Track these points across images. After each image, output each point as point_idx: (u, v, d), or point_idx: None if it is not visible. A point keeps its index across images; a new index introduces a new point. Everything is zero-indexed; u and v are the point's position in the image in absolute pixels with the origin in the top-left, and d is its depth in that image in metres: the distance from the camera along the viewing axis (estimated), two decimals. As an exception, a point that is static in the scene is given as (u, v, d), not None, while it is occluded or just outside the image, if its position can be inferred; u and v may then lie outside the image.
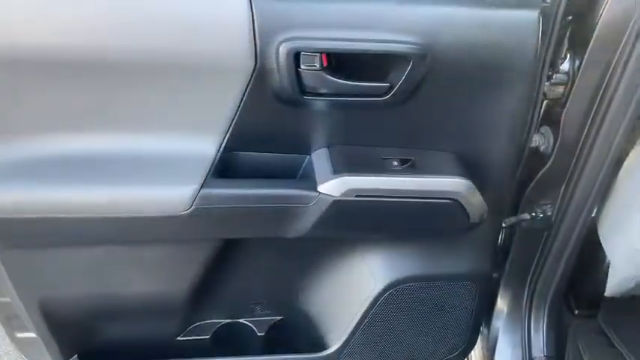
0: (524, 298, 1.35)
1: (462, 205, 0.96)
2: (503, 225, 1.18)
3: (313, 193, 0.94)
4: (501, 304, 1.38)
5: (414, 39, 0.88)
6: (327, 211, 0.94)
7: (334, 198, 0.93)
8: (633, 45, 0.96)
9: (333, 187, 0.93)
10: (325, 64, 0.89)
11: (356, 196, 0.94)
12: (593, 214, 1.24)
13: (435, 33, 0.88)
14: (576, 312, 1.43)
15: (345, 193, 0.93)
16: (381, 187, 0.94)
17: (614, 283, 1.24)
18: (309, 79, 0.89)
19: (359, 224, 0.99)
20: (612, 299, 1.29)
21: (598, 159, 1.10)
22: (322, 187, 0.94)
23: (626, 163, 1.18)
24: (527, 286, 1.34)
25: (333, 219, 0.95)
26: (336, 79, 0.90)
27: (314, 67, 0.88)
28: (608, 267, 1.24)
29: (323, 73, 0.89)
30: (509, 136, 1.00)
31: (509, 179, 1.06)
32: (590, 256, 1.32)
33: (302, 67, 0.88)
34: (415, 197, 0.95)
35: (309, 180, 0.96)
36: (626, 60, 0.97)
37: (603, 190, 1.17)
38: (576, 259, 1.29)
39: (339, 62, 0.91)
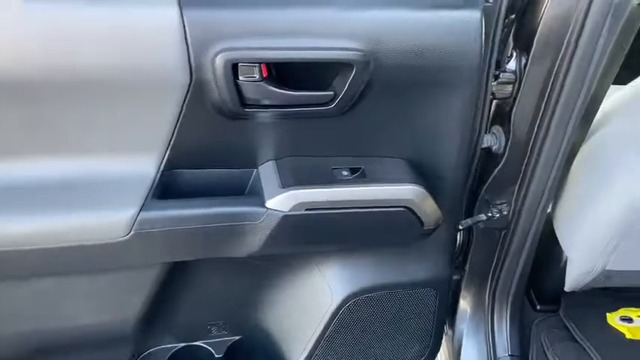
0: (486, 298, 1.34)
1: (415, 213, 0.94)
2: (460, 227, 1.17)
3: (261, 210, 0.90)
4: (464, 305, 1.37)
5: (356, 45, 0.85)
6: (277, 227, 0.90)
7: (283, 213, 0.90)
8: (576, 42, 0.95)
9: (282, 201, 0.90)
10: (265, 74, 0.85)
11: (306, 210, 0.90)
12: (549, 211, 1.25)
13: (377, 38, 0.85)
14: (538, 307, 1.43)
15: (294, 208, 0.90)
16: (331, 199, 0.91)
17: (573, 278, 1.24)
18: (249, 91, 0.85)
19: (311, 238, 0.96)
20: (573, 293, 1.30)
21: (550, 155, 1.10)
22: (270, 203, 0.90)
23: (577, 158, 1.18)
24: (488, 285, 1.33)
25: (284, 235, 0.92)
26: (277, 90, 0.86)
27: (253, 78, 0.84)
28: (567, 262, 1.25)
29: (263, 84, 0.85)
30: (460, 138, 0.98)
31: (462, 181, 1.05)
32: (549, 251, 1.32)
33: (240, 78, 0.84)
34: (367, 207, 0.92)
35: (256, 195, 0.92)
36: (571, 56, 0.97)
37: (557, 186, 1.17)
38: (535, 256, 1.29)
39: (280, 72, 0.87)
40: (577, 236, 1.20)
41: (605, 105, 1.15)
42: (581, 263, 1.21)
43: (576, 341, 1.29)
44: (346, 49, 0.85)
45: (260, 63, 0.84)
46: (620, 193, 1.08)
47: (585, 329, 1.32)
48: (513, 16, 1.00)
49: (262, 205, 0.90)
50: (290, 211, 0.90)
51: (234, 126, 0.90)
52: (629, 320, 1.32)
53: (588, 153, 1.16)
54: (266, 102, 0.87)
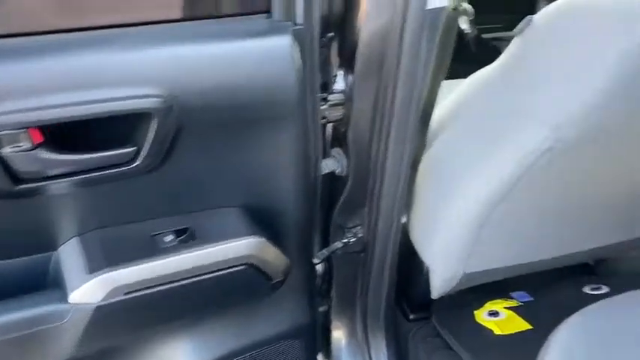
0: (357, 323, 1.27)
1: (258, 268, 0.82)
2: (316, 262, 1.08)
3: (64, 306, 0.72)
4: (338, 334, 1.29)
5: (152, 90, 0.70)
6: (90, 323, 0.73)
7: (95, 304, 0.73)
8: (399, 54, 0.89)
9: (91, 291, 0.73)
10: (40, 139, 0.68)
11: (125, 294, 0.74)
12: (404, 221, 1.21)
13: (178, 79, 0.72)
14: (411, 317, 1.40)
15: (109, 295, 0.73)
16: (154, 274, 0.76)
17: (437, 286, 1.22)
18: (19, 163, 0.67)
19: (139, 324, 0.80)
20: (443, 297, 1.27)
21: (394, 169, 1.04)
22: (76, 295, 0.72)
23: (422, 167, 1.15)
24: (358, 310, 1.27)
25: (102, 329, 0.75)
26: (59, 156, 0.69)
27: (22, 147, 0.66)
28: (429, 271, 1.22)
29: (39, 152, 0.67)
30: (295, 172, 0.88)
31: (307, 216, 0.96)
32: (412, 263, 1.28)
33: (4, 150, 0.65)
34: (201, 275, 0.79)
35: (57, 288, 0.74)
36: (396, 69, 0.91)
37: (407, 199, 1.13)
38: (400, 269, 1.24)
39: (61, 134, 0.70)
40: (434, 245, 1.17)
41: (440, 109, 1.13)
42: (442, 271, 1.18)
43: (450, 348, 1.27)
44: (140, 96, 0.70)
45: (27, 128, 0.66)
46: (466, 197, 1.06)
47: (457, 333, 1.30)
48: (332, 34, 0.91)
49: (65, 299, 0.72)
50: (104, 300, 0.73)
51: (13, 206, 0.71)
52: (496, 314, 1.32)
53: (431, 160, 1.13)
54: (48, 172, 0.70)
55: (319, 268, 1.20)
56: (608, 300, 1.01)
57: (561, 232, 1.22)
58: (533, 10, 0.94)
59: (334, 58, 0.95)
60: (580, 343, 0.94)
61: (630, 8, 0.77)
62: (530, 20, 0.86)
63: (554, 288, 1.41)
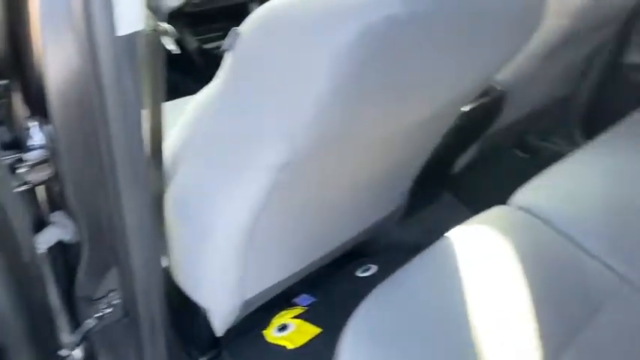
0: None
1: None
2: (65, 354, 0.88)
3: None
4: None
5: None
6: None
7: None
8: (100, 90, 0.75)
9: None
10: None
11: None
12: (167, 265, 1.09)
13: None
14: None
15: None
16: None
17: (219, 323, 1.14)
18: None
19: None
20: (229, 327, 1.19)
21: (133, 217, 0.89)
22: None
23: (168, 206, 1.03)
24: None
25: None
26: None
27: None
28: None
29: None
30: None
31: (31, 310, 0.76)
32: (186, 305, 1.17)
33: None
34: None
35: None
36: (102, 109, 0.76)
37: (161, 246, 1.00)
38: (176, 315, 1.11)
39: None
40: (202, 285, 1.08)
41: (172, 137, 1.02)
42: (219, 308, 1.11)
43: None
44: None
45: None
46: (220, 229, 0.98)
47: (251, 360, 1.24)
48: (6, 82, 0.72)
49: None
50: None
51: None
52: (285, 328, 1.29)
53: (177, 198, 1.02)
54: None
55: (78, 353, 1.00)
56: (382, 287, 1.04)
57: (325, 229, 1.23)
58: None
59: (21, 110, 0.77)
60: (367, 342, 0.96)
61: (331, 9, 0.76)
62: (237, 34, 0.80)
63: (331, 280, 1.44)
